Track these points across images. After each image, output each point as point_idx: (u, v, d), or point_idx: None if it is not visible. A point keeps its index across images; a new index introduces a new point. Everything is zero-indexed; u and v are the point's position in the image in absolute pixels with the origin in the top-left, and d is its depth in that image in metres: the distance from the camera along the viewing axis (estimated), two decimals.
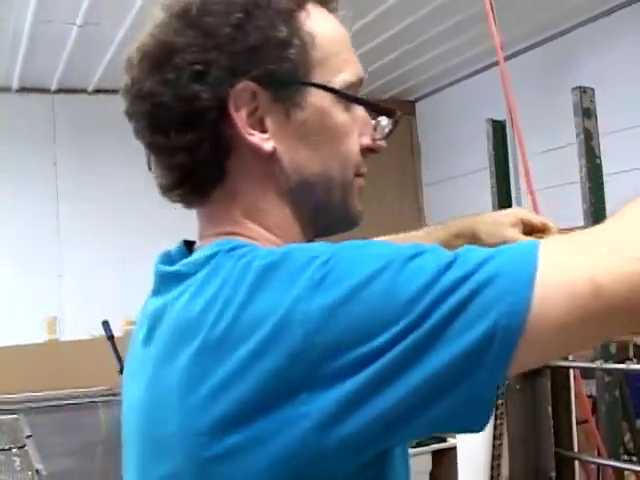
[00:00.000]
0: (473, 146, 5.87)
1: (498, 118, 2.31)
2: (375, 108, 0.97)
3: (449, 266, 0.74)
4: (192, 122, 0.88)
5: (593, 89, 2.13)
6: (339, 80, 0.92)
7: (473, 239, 1.37)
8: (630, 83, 4.75)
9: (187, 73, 0.87)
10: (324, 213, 0.95)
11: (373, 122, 0.98)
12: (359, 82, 0.95)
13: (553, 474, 1.29)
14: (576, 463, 1.32)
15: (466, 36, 5.43)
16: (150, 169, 0.99)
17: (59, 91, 6.12)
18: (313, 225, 0.95)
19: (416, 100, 7.18)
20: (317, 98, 0.91)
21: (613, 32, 4.96)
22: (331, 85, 0.92)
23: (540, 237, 1.40)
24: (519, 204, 1.77)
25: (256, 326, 0.75)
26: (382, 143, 0.98)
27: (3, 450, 3.22)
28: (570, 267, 0.73)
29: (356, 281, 0.74)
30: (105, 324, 4.04)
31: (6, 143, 5.93)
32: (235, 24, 0.88)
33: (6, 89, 5.95)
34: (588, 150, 2.04)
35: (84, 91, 6.17)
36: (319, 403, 0.73)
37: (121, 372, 3.80)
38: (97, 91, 6.16)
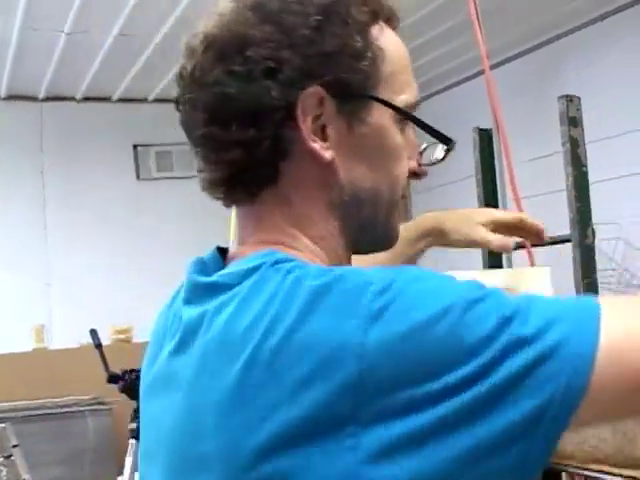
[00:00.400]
0: (462, 154, 5.88)
1: (486, 126, 2.32)
2: (436, 134, 0.96)
3: (511, 319, 0.72)
4: (256, 118, 0.85)
5: (579, 98, 2.14)
6: (401, 99, 0.91)
7: (441, 236, 1.37)
8: (617, 91, 4.77)
9: (259, 68, 0.84)
10: (368, 230, 0.93)
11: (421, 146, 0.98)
12: (415, 105, 0.94)
13: None
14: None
15: (454, 44, 5.45)
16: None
17: (47, 99, 6.11)
18: (356, 241, 0.93)
19: None
20: (379, 114, 0.89)
21: (601, 40, 4.98)
22: (395, 103, 0.90)
23: (518, 236, 1.40)
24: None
25: (308, 351, 0.72)
26: (426, 169, 0.98)
27: None
28: (632, 332, 0.73)
29: (418, 319, 0.72)
30: (93, 332, 4.03)
31: None
32: (314, 26, 0.85)
33: None
34: (574, 158, 2.05)
35: (72, 99, 6.17)
36: (367, 438, 0.70)
37: (109, 381, 3.79)
38: (85, 99, 6.15)
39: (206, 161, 0.90)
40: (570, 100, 2.09)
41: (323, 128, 0.87)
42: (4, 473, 2.99)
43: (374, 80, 0.88)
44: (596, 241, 2.20)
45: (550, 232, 2.14)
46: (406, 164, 0.94)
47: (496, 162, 2.15)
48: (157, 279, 6.10)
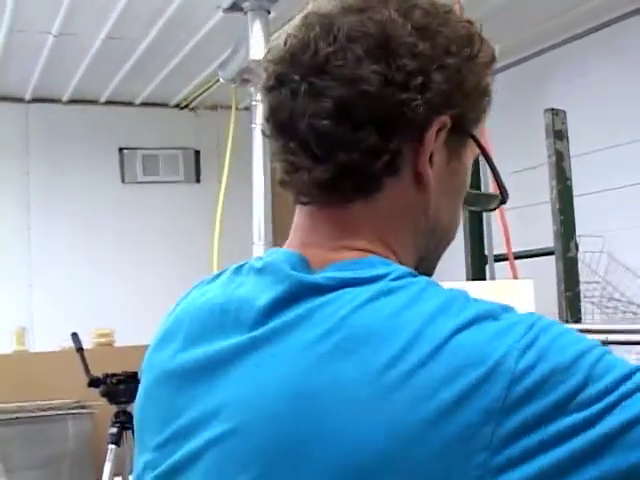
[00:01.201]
0: None
1: None
2: (502, 186, 0.97)
3: (634, 373, 0.74)
4: (391, 127, 0.82)
5: (565, 111, 2.16)
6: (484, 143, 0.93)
7: None
8: (603, 105, 4.80)
9: (414, 80, 0.81)
10: (428, 259, 0.93)
11: None
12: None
13: None
14: None
15: None
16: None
17: (33, 100, 6.09)
18: (416, 267, 0.90)
19: None
20: (470, 156, 0.91)
21: (586, 55, 5.01)
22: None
23: None
24: (489, 224, 1.78)
25: (462, 368, 0.71)
26: None
27: None
28: None
29: (569, 355, 0.73)
30: (74, 336, 4.00)
31: None
32: (463, 56, 0.85)
33: None
34: (559, 171, 2.06)
35: (59, 101, 6.15)
36: (496, 465, 0.70)
37: (90, 384, 3.76)
38: (72, 101, 6.13)
39: (307, 155, 0.84)
40: (556, 114, 2.10)
41: (431, 156, 0.85)
42: None
43: (479, 122, 0.90)
44: (580, 254, 2.22)
45: (534, 244, 2.15)
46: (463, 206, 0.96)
47: (481, 174, 2.16)
48: (140, 283, 6.09)
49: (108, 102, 6.19)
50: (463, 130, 0.88)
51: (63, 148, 6.07)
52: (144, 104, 6.32)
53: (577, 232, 2.10)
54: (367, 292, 0.76)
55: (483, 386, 0.70)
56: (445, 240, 0.93)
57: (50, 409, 4.92)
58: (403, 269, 0.81)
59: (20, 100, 6.06)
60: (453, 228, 0.93)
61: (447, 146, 0.87)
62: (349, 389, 0.72)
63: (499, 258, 1.74)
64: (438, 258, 0.95)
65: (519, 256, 1.85)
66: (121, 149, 6.32)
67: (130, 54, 5.25)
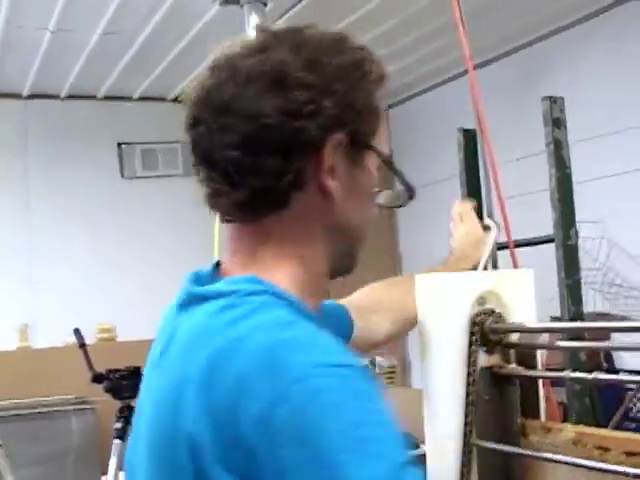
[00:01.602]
0: (446, 153, 5.90)
1: (471, 126, 2.32)
2: (406, 185, 1.13)
3: None
4: (290, 151, 0.96)
5: (563, 99, 2.15)
6: (383, 150, 1.06)
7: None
8: (601, 91, 4.79)
9: (305, 109, 0.96)
10: (340, 263, 1.08)
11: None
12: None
13: None
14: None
15: (439, 43, 5.45)
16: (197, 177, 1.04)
17: (31, 96, 6.08)
18: (333, 267, 1.07)
19: (390, 107, 7.21)
20: (372, 163, 1.05)
21: (585, 41, 5.00)
22: (383, 156, 1.06)
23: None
24: (490, 212, 1.77)
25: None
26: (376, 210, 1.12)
27: None
28: None
29: None
30: (77, 332, 4.00)
31: None
32: (350, 82, 0.99)
33: None
34: (558, 160, 2.05)
35: (57, 97, 6.14)
36: None
37: (93, 380, 3.77)
38: (70, 97, 6.13)
39: (225, 182, 0.98)
40: (554, 101, 2.09)
41: (333, 168, 1.00)
42: None
43: (375, 134, 1.04)
44: (580, 240, 2.21)
45: (535, 232, 2.14)
46: (374, 209, 1.10)
47: (480, 162, 2.15)
48: (142, 278, 6.09)
49: (106, 97, 6.19)
50: (361, 142, 1.02)
51: (62, 144, 6.06)
52: (142, 98, 6.32)
53: (577, 218, 2.10)
54: (219, 304, 0.93)
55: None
56: (357, 239, 1.08)
57: (53, 405, 4.93)
58: (252, 289, 0.94)
59: (18, 96, 6.05)
60: (363, 228, 1.08)
61: (349, 157, 1.01)
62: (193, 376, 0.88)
63: (499, 247, 1.74)
64: (355, 256, 1.09)
65: (519, 244, 1.84)
66: (120, 144, 6.32)
67: (127, 49, 5.25)
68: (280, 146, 0.96)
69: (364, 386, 0.86)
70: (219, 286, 0.97)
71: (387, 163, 1.07)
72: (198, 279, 1.03)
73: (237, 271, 1.01)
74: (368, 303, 1.57)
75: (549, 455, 1.24)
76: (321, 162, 0.98)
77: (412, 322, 1.52)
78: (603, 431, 1.30)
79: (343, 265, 1.09)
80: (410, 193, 1.14)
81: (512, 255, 1.68)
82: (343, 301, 1.53)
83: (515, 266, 1.67)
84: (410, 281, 1.51)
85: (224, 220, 1.04)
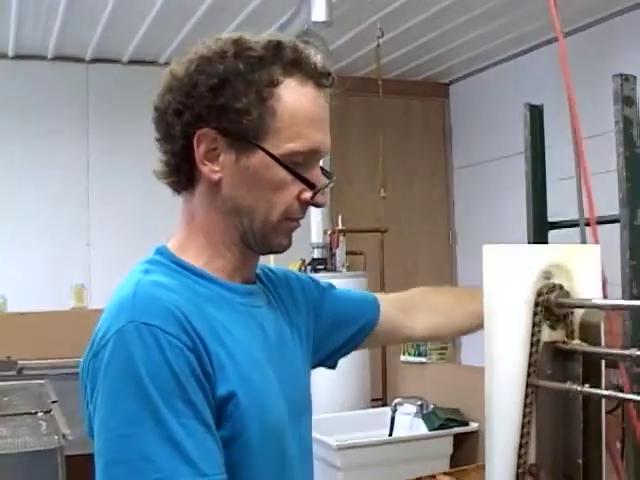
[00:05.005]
0: (506, 131, 5.83)
1: (532, 102, 2.28)
2: (298, 176, 1.24)
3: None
4: (168, 140, 1.28)
5: (635, 77, 2.10)
6: (286, 147, 1.22)
7: None
8: None
9: (171, 108, 1.25)
10: (250, 236, 1.28)
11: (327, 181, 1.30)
12: (309, 151, 1.24)
13: (580, 460, 1.28)
14: (603, 449, 1.31)
15: (502, 20, 5.38)
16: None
17: (94, 61, 6.13)
18: (245, 242, 1.29)
19: (450, 83, 7.14)
20: (260, 156, 1.22)
21: None
22: (278, 151, 1.22)
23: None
24: (579, 186, 1.73)
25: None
26: (320, 199, 1.27)
27: (29, 414, 3.25)
28: None
29: None
30: None
31: (39, 112, 5.97)
32: (210, 86, 1.22)
33: (41, 57, 5.98)
34: (627, 138, 2.01)
35: (118, 61, 6.18)
36: None
37: None
38: (131, 62, 6.17)
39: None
40: (625, 79, 2.05)
41: (218, 156, 1.24)
42: (44, 427, 3.04)
43: (259, 130, 1.21)
44: None
45: (602, 212, 2.11)
46: (289, 194, 1.25)
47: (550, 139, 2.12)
48: None
49: (167, 63, 6.19)
50: (240, 139, 1.22)
51: (123, 109, 6.10)
52: None
53: None
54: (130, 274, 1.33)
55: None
56: (256, 219, 1.25)
57: None
58: (145, 267, 1.33)
59: (80, 60, 6.11)
60: (260, 209, 1.25)
61: (233, 149, 1.23)
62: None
63: (569, 224, 1.72)
64: (265, 234, 1.27)
65: (584, 224, 1.82)
66: None
67: (190, 15, 5.25)
68: (164, 135, 1.29)
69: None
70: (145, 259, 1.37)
71: (275, 158, 1.22)
72: None
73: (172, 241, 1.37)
74: (417, 301, 1.72)
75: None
76: (194, 151, 1.24)
77: (453, 331, 1.75)
78: None
79: (257, 240, 1.28)
80: (329, 178, 1.31)
81: (594, 231, 1.65)
82: (396, 294, 1.72)
83: (596, 242, 1.63)
84: (465, 293, 1.70)
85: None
